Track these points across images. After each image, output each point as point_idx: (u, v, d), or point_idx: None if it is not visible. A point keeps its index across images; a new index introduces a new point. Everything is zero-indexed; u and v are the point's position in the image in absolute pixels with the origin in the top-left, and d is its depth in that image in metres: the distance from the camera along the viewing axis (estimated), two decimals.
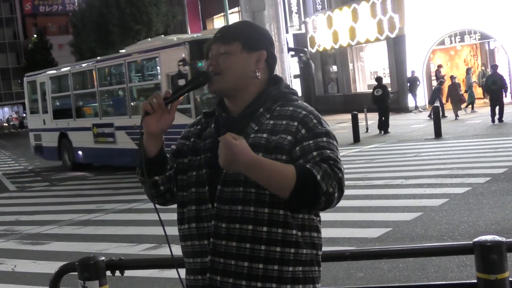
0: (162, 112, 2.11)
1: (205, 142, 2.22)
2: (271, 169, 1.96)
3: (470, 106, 24.02)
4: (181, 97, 2.15)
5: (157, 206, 2.26)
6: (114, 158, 16.58)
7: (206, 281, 2.12)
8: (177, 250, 2.28)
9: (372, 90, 21.37)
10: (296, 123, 2.10)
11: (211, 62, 2.17)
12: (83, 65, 18.88)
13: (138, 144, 2.20)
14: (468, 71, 25.86)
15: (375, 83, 21.42)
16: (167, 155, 2.22)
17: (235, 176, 2.07)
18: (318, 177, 1.97)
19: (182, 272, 2.27)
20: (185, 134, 2.33)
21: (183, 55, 13.24)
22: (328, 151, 2.05)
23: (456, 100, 22.45)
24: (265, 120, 2.14)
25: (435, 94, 23.21)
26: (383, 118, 20.27)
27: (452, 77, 23.43)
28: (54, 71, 20.37)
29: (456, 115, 22.00)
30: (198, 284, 2.17)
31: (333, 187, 2.00)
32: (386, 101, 20.26)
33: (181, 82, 12.65)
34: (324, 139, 2.09)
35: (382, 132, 20.13)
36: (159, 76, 14.81)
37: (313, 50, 34.25)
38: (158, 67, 14.91)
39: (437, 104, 20.85)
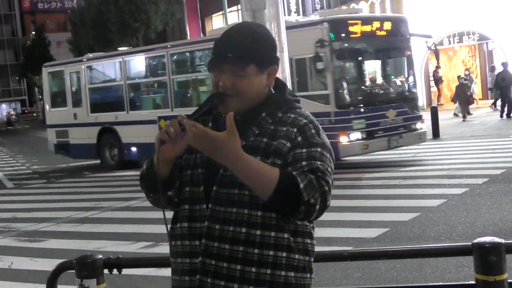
0: (177, 138, 2.06)
1: None
2: (254, 167, 1.97)
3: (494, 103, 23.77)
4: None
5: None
6: None
7: (195, 283, 2.10)
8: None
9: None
10: (295, 130, 2.10)
11: (226, 85, 2.11)
12: (146, 51, 17.17)
13: (148, 173, 2.15)
14: (492, 68, 25.75)
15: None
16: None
17: (231, 178, 2.05)
18: (301, 185, 1.96)
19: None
20: None
21: (320, 36, 12.16)
22: (319, 163, 2.04)
23: (464, 101, 22.08)
24: (267, 125, 2.13)
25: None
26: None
27: (459, 78, 23.19)
28: (93, 60, 18.23)
29: (464, 116, 21.63)
30: (184, 286, 2.15)
31: (315, 198, 1.98)
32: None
33: (320, 65, 12.07)
34: (318, 149, 2.08)
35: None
36: None
37: None
38: None
39: (434, 104, 20.93)
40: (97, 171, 17.25)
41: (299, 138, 2.09)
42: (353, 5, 30.14)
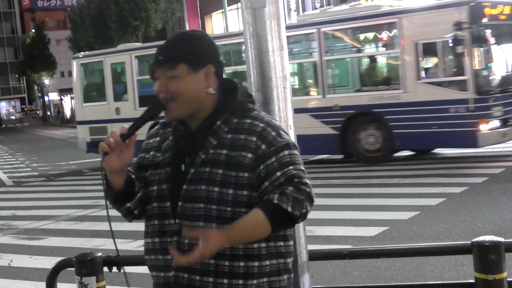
0: (121, 149, 2.08)
1: (165, 156, 2.19)
2: (244, 230, 1.98)
3: None
4: (136, 132, 2.12)
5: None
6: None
7: None
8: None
9: None
10: (255, 139, 2.07)
11: (160, 89, 2.11)
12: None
13: (102, 185, 2.20)
14: None
15: None
16: (132, 176, 2.20)
17: (195, 192, 2.07)
18: (289, 209, 1.97)
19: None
20: (144, 147, 2.29)
21: (459, 18, 11.42)
22: (291, 168, 2.04)
23: None
24: (223, 133, 2.11)
25: None
26: None
27: None
28: (143, 49, 16.74)
29: None
30: None
31: (305, 207, 2.00)
32: None
33: (458, 49, 11.48)
34: (286, 152, 2.07)
35: None
36: (399, 45, 12.60)
37: None
38: (397, 34, 12.61)
39: None
40: (96, 169, 17.24)
41: (263, 146, 2.06)
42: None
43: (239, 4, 32.43)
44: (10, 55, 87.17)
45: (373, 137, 13.01)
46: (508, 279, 2.71)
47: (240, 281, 2.05)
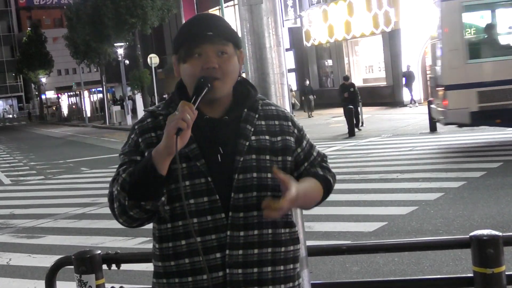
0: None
1: (190, 148, 1.98)
2: (310, 193, 2.10)
3: None
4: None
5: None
6: None
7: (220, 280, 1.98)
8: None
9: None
10: (290, 123, 2.13)
11: (211, 65, 1.98)
12: None
13: (145, 175, 1.90)
14: None
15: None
16: None
17: (246, 181, 1.99)
18: (331, 180, 2.19)
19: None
20: (149, 141, 2.04)
21: None
22: (317, 148, 2.23)
23: None
24: (255, 120, 2.07)
25: None
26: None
27: None
28: None
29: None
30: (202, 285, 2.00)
31: (335, 181, 2.23)
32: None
33: None
34: (306, 134, 2.21)
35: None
36: None
37: (308, 44, 34.26)
38: None
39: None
40: (94, 167, 17.24)
41: (295, 130, 2.15)
42: None
43: (235, 0, 32.46)
44: (6, 54, 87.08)
45: None
46: (506, 273, 2.72)
47: (291, 266, 2.09)
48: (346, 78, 21.36)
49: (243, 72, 2.22)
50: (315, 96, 28.55)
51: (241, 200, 1.99)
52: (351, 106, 18.76)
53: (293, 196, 1.91)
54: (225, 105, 2.07)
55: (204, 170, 1.98)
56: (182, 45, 2.04)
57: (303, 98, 29.07)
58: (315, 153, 2.19)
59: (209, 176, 1.97)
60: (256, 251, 2.00)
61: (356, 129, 19.00)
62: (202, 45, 1.99)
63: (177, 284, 2.01)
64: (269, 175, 2.01)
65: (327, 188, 2.16)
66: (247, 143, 2.01)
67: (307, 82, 29.95)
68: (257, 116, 2.08)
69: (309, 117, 27.15)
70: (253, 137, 2.04)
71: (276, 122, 2.10)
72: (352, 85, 20.66)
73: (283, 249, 2.05)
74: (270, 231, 2.02)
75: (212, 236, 1.97)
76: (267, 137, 2.06)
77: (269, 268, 2.02)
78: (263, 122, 2.08)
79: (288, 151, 2.09)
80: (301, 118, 25.79)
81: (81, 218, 10.13)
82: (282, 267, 2.04)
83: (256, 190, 2.00)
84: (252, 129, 2.05)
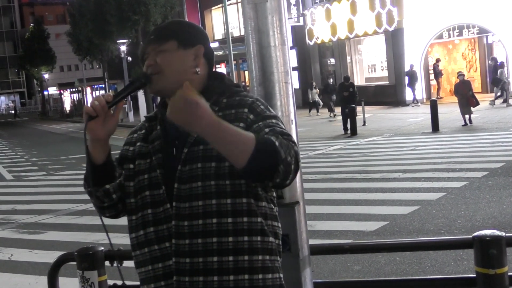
0: (106, 116, 2.08)
1: (154, 144, 2.16)
2: (230, 130, 1.87)
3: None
4: (124, 100, 2.14)
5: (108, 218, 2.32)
6: None
7: (173, 285, 2.06)
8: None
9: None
10: (246, 110, 2.07)
11: (149, 63, 2.15)
12: None
13: (85, 148, 2.15)
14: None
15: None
16: (114, 163, 2.19)
17: (191, 172, 2.04)
18: (277, 143, 1.88)
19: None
20: (128, 140, 2.27)
21: None
22: (279, 129, 1.99)
23: (464, 102, 17.82)
24: (215, 113, 2.04)
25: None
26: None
27: (459, 74, 19.15)
28: None
29: (465, 121, 17.81)
30: None
31: (291, 156, 1.91)
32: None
33: None
34: (273, 121, 2.04)
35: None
36: None
37: (311, 43, 34.22)
38: None
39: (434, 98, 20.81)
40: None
41: (251, 116, 2.05)
42: None
43: None
44: (9, 50, 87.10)
45: None
46: (509, 274, 2.71)
47: (246, 257, 2.04)
48: (347, 78, 21.35)
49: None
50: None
51: (185, 190, 2.05)
52: (353, 105, 18.75)
53: (196, 97, 1.82)
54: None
55: (155, 164, 2.13)
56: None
57: (321, 97, 27.97)
58: (267, 129, 1.98)
59: (161, 169, 2.12)
60: (200, 240, 2.03)
61: (347, 130, 18.90)
62: (146, 48, 2.19)
63: (143, 273, 2.15)
64: (213, 164, 2.03)
65: (264, 147, 1.87)
66: (196, 135, 2.04)
67: (331, 80, 28.96)
68: (216, 109, 2.08)
69: (330, 117, 25.57)
70: None
71: (233, 111, 2.09)
72: (352, 85, 20.67)
73: (231, 239, 2.02)
74: (214, 220, 2.02)
75: (164, 226, 2.09)
76: None
77: (215, 258, 2.02)
78: (220, 114, 2.06)
79: None
80: (312, 116, 25.74)
81: (82, 214, 10.14)
82: (231, 258, 2.02)
83: (200, 179, 2.04)
84: None
